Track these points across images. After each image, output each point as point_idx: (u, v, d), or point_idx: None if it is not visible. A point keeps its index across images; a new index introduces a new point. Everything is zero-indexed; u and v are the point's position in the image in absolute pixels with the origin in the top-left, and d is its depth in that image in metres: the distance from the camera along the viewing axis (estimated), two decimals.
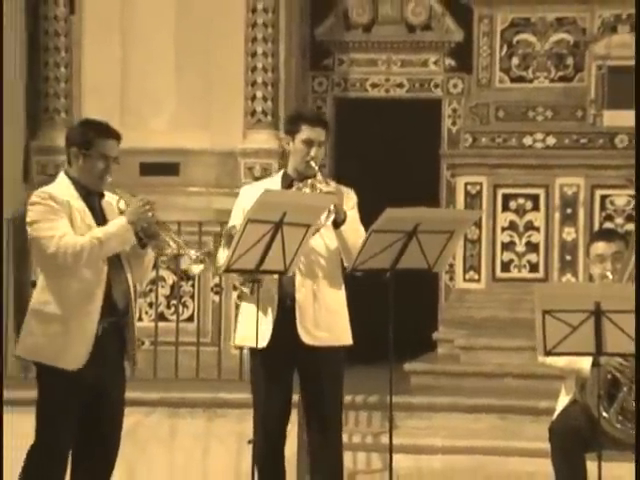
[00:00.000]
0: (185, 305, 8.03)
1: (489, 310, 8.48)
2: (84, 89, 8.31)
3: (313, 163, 5.21)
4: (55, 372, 4.69)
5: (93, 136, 4.78)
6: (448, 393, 7.39)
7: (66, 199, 4.72)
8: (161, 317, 7.85)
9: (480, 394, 7.33)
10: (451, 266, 8.59)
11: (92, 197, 4.80)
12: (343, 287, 5.34)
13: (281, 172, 5.41)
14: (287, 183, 5.30)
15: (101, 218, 4.81)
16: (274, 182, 5.37)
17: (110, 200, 4.88)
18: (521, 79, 8.73)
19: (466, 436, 6.91)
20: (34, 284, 7.81)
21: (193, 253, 4.80)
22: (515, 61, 8.74)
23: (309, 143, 5.23)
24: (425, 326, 8.46)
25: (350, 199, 5.32)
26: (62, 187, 4.78)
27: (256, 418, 5.25)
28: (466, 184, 8.69)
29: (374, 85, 9.00)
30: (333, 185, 5.21)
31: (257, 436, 5.22)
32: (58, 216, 4.67)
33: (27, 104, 8.27)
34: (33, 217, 4.71)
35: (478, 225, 8.52)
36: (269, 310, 5.18)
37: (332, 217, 5.13)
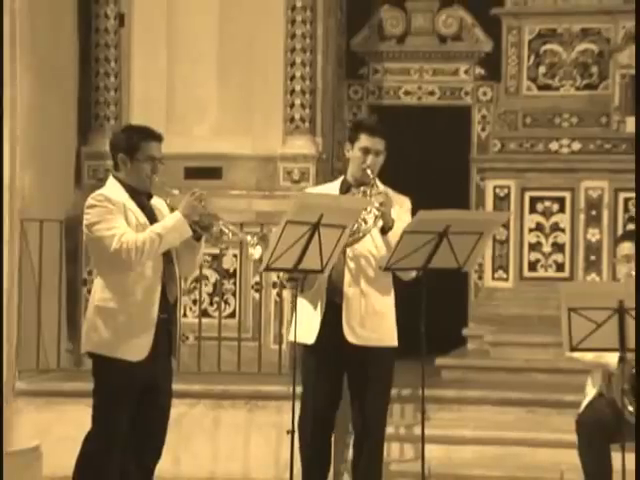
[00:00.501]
0: (227, 302, 8.05)
1: (517, 308, 8.44)
2: (132, 98, 8.34)
3: (369, 171, 5.18)
4: (114, 364, 4.72)
5: (138, 140, 4.79)
6: (477, 387, 7.36)
7: (120, 200, 4.74)
8: (204, 313, 7.86)
9: (508, 388, 7.29)
10: (480, 265, 8.56)
11: (141, 198, 4.83)
12: (392, 291, 5.30)
13: (341, 178, 5.40)
14: (345, 189, 5.28)
15: (152, 217, 4.83)
16: (333, 187, 5.36)
17: (157, 201, 4.90)
18: (548, 87, 8.69)
19: (495, 428, 6.88)
20: (85, 282, 7.92)
21: (248, 238, 4.78)
22: (542, 70, 8.70)
23: (366, 151, 5.21)
24: (455, 323, 8.44)
25: (404, 207, 5.27)
26: (114, 189, 4.81)
27: (304, 409, 5.23)
28: (495, 187, 8.65)
29: (407, 93, 8.99)
30: (383, 193, 5.16)
31: (304, 426, 5.21)
32: (115, 216, 4.69)
33: (79, 112, 8.32)
34: (92, 219, 4.72)
35: (506, 226, 8.49)
36: (318, 307, 5.18)
37: (380, 223, 5.11)
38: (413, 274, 5.24)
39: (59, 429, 6.81)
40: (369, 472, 5.29)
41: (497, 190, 8.64)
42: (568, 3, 8.70)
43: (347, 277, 5.16)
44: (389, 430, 6.94)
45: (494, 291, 8.60)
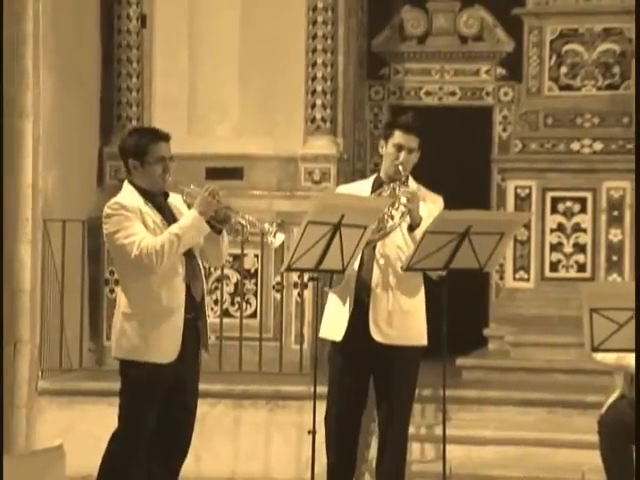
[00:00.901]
0: (248, 302, 8.06)
1: (538, 308, 8.42)
2: (154, 98, 8.37)
3: (401, 168, 5.18)
4: (143, 366, 4.73)
5: (146, 143, 4.79)
6: (498, 387, 7.35)
7: (136, 206, 4.75)
8: (226, 313, 7.88)
9: (529, 388, 7.28)
10: (501, 266, 8.54)
11: (158, 199, 4.83)
12: (422, 290, 5.29)
13: (374, 175, 5.40)
14: (377, 185, 5.28)
15: (170, 217, 4.84)
16: (366, 184, 5.35)
17: (175, 198, 4.90)
18: (569, 87, 8.66)
19: (516, 428, 6.87)
20: (107, 282, 7.95)
21: (267, 227, 4.78)
22: (564, 70, 8.67)
23: (399, 148, 5.20)
24: (476, 323, 8.42)
25: (436, 206, 5.25)
26: (129, 195, 4.81)
27: (330, 407, 5.22)
28: (516, 188, 8.63)
29: (428, 93, 8.98)
30: (410, 189, 5.15)
31: (330, 425, 5.20)
32: (133, 222, 4.70)
33: (101, 112, 8.35)
34: (110, 229, 4.74)
35: (527, 227, 8.46)
36: (347, 304, 5.18)
37: (407, 219, 5.10)
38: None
39: (82, 428, 6.84)
40: (392, 472, 5.28)
41: (518, 190, 8.62)
42: (590, 3, 8.67)
43: (375, 274, 5.15)
44: (410, 430, 6.94)
45: (515, 291, 8.58)
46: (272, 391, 7.07)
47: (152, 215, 4.77)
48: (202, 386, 6.58)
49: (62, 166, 7.76)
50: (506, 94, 8.87)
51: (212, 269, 8.01)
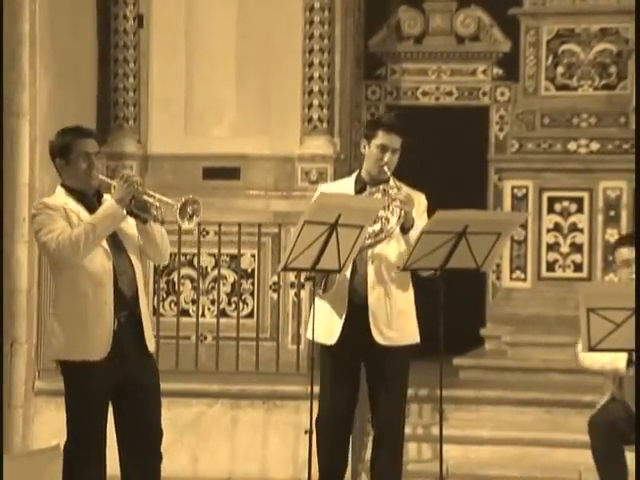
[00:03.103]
0: (245, 302, 8.05)
1: (534, 308, 8.42)
2: (151, 98, 8.35)
3: (386, 168, 5.17)
4: (80, 368, 4.67)
5: (69, 141, 4.76)
6: (495, 387, 7.34)
7: (60, 204, 4.73)
8: (223, 313, 7.87)
9: (526, 388, 7.27)
10: (498, 266, 8.54)
11: (88, 199, 4.77)
12: (412, 288, 5.30)
13: (355, 174, 5.38)
14: (360, 186, 5.27)
15: None
16: (348, 184, 5.33)
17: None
18: (566, 87, 8.66)
19: (512, 428, 6.86)
20: None
21: (177, 207, 4.60)
22: (560, 70, 8.67)
23: (383, 148, 5.20)
24: (473, 323, 8.42)
25: (421, 204, 5.27)
26: (58, 196, 4.79)
27: (322, 409, 5.22)
28: (513, 187, 8.63)
29: (425, 93, 8.97)
30: (404, 192, 5.15)
31: (322, 427, 5.20)
32: (55, 220, 4.68)
33: (98, 113, 8.34)
34: (35, 227, 4.74)
35: (524, 227, 8.46)
36: (340, 309, 5.16)
37: (401, 222, 5.10)
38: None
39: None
40: (389, 472, 5.27)
41: (515, 190, 8.61)
42: (586, 3, 8.66)
43: (371, 278, 5.15)
44: (407, 430, 6.92)
45: (512, 291, 8.57)
46: (269, 391, 7.06)
47: (78, 213, 4.71)
48: (199, 386, 6.58)
49: None
50: (503, 94, 8.86)
51: (209, 269, 8.00)
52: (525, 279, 8.55)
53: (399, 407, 5.25)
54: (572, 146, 8.57)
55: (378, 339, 5.13)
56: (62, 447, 4.79)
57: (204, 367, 7.35)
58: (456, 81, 8.91)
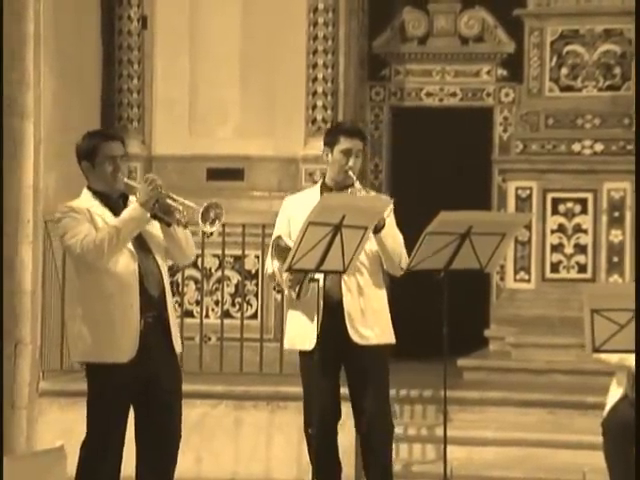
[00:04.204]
0: (249, 303, 8.05)
1: (538, 309, 8.41)
2: (155, 99, 8.36)
3: (351, 173, 5.22)
4: (105, 369, 4.68)
5: (96, 143, 4.79)
6: (499, 388, 7.34)
7: (85, 207, 4.75)
8: (227, 314, 7.87)
9: (530, 389, 7.27)
10: (502, 267, 8.53)
11: (114, 201, 4.80)
12: (384, 287, 5.33)
13: (319, 183, 5.42)
14: (326, 192, 5.29)
15: None
16: (314, 192, 5.37)
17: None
18: (570, 88, 8.65)
19: (516, 429, 6.86)
20: None
21: (200, 211, 4.64)
22: (564, 71, 8.66)
23: (347, 153, 5.23)
24: (477, 324, 8.42)
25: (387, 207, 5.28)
26: (83, 199, 4.82)
27: (307, 414, 5.24)
28: (517, 189, 8.62)
29: (429, 94, 8.97)
30: (373, 194, 5.21)
31: (310, 430, 5.21)
32: (80, 223, 4.70)
33: (102, 113, 8.34)
34: (60, 231, 4.77)
35: (528, 228, 8.45)
36: (315, 312, 5.16)
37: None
38: (404, 269, 5.23)
39: (82, 429, 6.77)
40: (383, 470, 5.26)
41: (519, 191, 8.61)
42: (590, 4, 8.65)
43: (344, 278, 5.16)
44: (411, 431, 6.95)
45: (516, 292, 8.57)
46: (273, 392, 7.07)
47: (103, 216, 4.74)
48: (202, 387, 6.58)
49: (63, 167, 7.74)
50: (507, 95, 8.86)
51: (212, 270, 8.01)
52: (529, 280, 8.55)
53: (386, 403, 5.26)
54: (576, 147, 8.57)
55: (355, 339, 5.15)
56: (62, 446, 4.80)
57: (208, 368, 7.36)
58: (460, 82, 8.90)
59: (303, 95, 8.25)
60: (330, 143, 5.28)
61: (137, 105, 8.35)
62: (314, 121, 8.25)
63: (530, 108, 8.68)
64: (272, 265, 5.14)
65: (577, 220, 8.53)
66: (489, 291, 8.69)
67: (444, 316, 5.23)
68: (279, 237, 5.17)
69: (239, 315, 7.77)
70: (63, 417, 7.05)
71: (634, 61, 8.41)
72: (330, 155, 5.27)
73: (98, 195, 4.79)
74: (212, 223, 4.64)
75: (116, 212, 4.75)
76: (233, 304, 8.04)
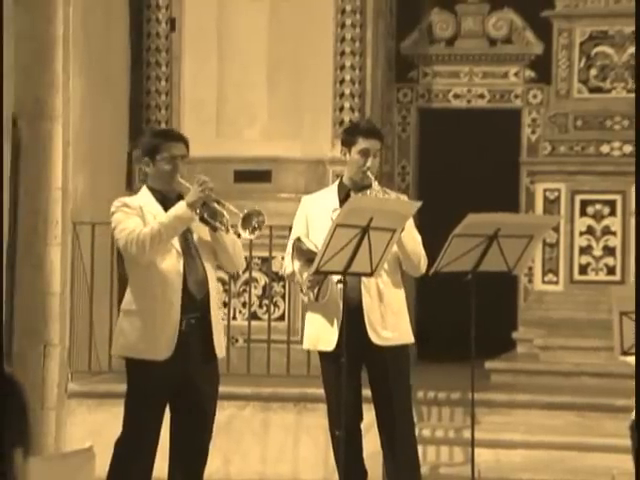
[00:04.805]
0: (276, 305, 8.07)
1: (567, 311, 8.39)
2: (183, 101, 8.40)
3: (369, 173, 5.20)
4: (143, 366, 4.74)
5: (158, 142, 4.87)
6: (527, 390, 7.33)
7: (137, 204, 4.82)
8: (254, 316, 7.90)
9: (558, 392, 7.26)
10: (530, 269, 8.51)
11: (170, 201, 4.84)
12: (402, 288, 5.34)
13: (337, 182, 5.41)
14: (344, 193, 5.29)
15: None
16: (331, 192, 5.37)
17: None
18: (599, 89, 8.63)
19: (545, 432, 6.85)
20: None
21: (241, 217, 4.70)
22: (593, 72, 8.64)
23: (365, 153, 5.22)
24: (505, 326, 8.41)
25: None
26: (140, 196, 4.90)
27: (331, 416, 5.25)
28: (545, 190, 8.60)
29: (456, 96, 8.96)
30: (393, 194, 5.20)
31: (333, 432, 5.22)
32: (130, 218, 4.77)
33: (130, 115, 8.39)
34: (113, 224, 4.85)
35: (556, 230, 8.43)
36: (335, 314, 5.17)
37: None
38: (423, 270, 5.23)
39: (111, 430, 6.82)
40: (410, 465, 5.26)
41: (547, 193, 8.59)
42: (619, 5, 8.62)
43: (364, 280, 5.16)
44: (439, 434, 6.95)
45: (544, 294, 8.55)
46: (300, 393, 7.09)
47: (155, 213, 4.79)
48: (230, 389, 6.58)
49: (91, 169, 7.81)
50: (535, 96, 8.84)
51: (240, 272, 8.04)
52: (557, 282, 8.53)
53: (407, 401, 5.26)
54: (605, 149, 8.54)
55: (375, 339, 5.16)
56: (91, 447, 4.84)
57: (235, 370, 7.38)
58: (488, 84, 8.89)
59: (330, 97, 8.26)
60: (348, 143, 5.27)
61: (165, 107, 8.40)
62: (341, 123, 8.26)
63: (558, 109, 8.66)
64: (292, 265, 5.15)
65: (606, 222, 8.50)
66: (517, 293, 8.67)
67: (472, 318, 5.24)
68: (298, 238, 5.18)
69: (266, 317, 7.80)
70: (91, 418, 7.10)
71: (635, 56, 8.36)
72: (348, 155, 5.27)
73: (155, 193, 4.86)
74: (252, 231, 4.68)
75: None
76: (260, 306, 8.06)
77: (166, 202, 4.83)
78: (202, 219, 4.77)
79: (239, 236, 4.74)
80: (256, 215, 4.69)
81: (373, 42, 8.36)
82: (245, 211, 4.69)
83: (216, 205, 4.75)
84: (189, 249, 4.81)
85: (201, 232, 4.84)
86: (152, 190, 4.87)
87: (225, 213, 4.73)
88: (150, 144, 4.89)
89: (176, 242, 4.78)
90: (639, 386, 4.60)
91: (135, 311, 4.78)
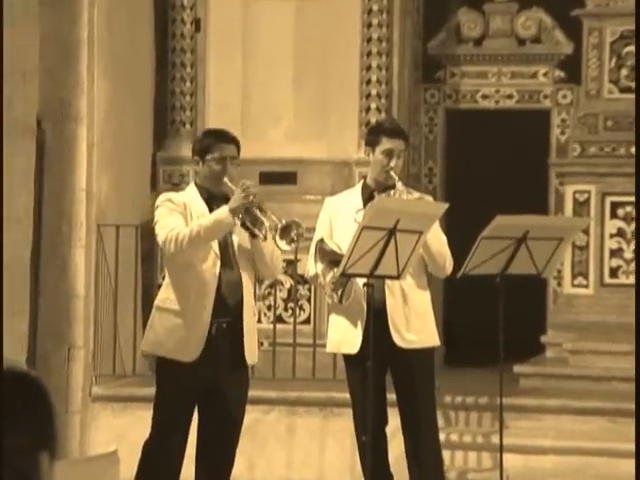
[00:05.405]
0: (302, 308, 8.07)
1: (597, 315, 8.34)
2: (208, 102, 8.42)
3: (393, 173, 5.19)
4: (172, 366, 4.76)
5: (210, 142, 4.90)
6: (556, 395, 7.30)
7: (182, 201, 4.84)
8: (279, 319, 7.90)
9: (588, 396, 7.22)
10: (559, 272, 8.47)
11: (217, 200, 4.86)
12: (428, 290, 5.32)
13: (361, 183, 5.40)
14: (368, 193, 5.28)
15: None
16: (355, 193, 5.36)
17: None
18: (630, 90, 8.57)
19: (575, 437, 6.81)
20: (160, 287, 8.00)
21: (279, 227, 4.71)
22: (624, 72, 8.58)
23: (389, 154, 5.21)
24: (534, 330, 8.38)
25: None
26: (186, 193, 4.93)
27: (356, 420, 5.25)
28: (574, 192, 8.56)
29: (484, 97, 8.93)
30: (417, 194, 5.19)
31: (359, 436, 5.22)
32: (173, 215, 4.80)
33: (155, 117, 8.42)
34: (155, 219, 4.88)
35: (586, 232, 8.39)
36: (359, 316, 5.17)
37: None
38: (448, 272, 5.21)
39: (135, 434, 6.86)
40: (432, 476, 5.26)
41: (577, 195, 8.55)
42: None
43: (388, 282, 5.15)
44: (467, 439, 6.93)
45: (574, 298, 8.51)
46: (326, 398, 7.08)
47: (200, 212, 4.81)
48: (255, 393, 6.58)
49: (116, 171, 7.83)
50: (565, 97, 8.80)
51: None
52: (587, 285, 8.49)
53: (432, 409, 5.25)
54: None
55: (399, 343, 5.15)
56: (116, 451, 4.85)
57: (260, 374, 7.38)
58: (517, 84, 8.85)
59: (357, 97, 8.26)
60: (371, 143, 5.26)
61: (190, 108, 8.42)
62: (367, 124, 8.24)
63: (588, 110, 8.61)
64: (315, 267, 5.15)
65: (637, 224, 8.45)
66: (546, 296, 8.63)
67: (500, 322, 5.22)
68: (322, 240, 5.18)
69: (292, 320, 7.80)
70: (115, 422, 7.12)
71: (634, 57, 8.30)
72: (372, 155, 5.26)
73: (202, 191, 4.89)
74: (290, 242, 4.69)
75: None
76: (286, 309, 8.06)
77: (212, 201, 4.86)
78: (243, 225, 4.79)
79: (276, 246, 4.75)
80: (295, 227, 4.71)
81: (400, 42, 8.35)
82: (284, 222, 4.69)
83: (258, 212, 4.76)
84: (227, 253, 4.83)
85: (242, 238, 4.85)
86: (199, 188, 4.90)
87: (265, 221, 4.73)
88: (202, 143, 4.94)
89: (215, 245, 4.80)
90: (639, 386, 4.58)
91: (167, 309, 4.80)
